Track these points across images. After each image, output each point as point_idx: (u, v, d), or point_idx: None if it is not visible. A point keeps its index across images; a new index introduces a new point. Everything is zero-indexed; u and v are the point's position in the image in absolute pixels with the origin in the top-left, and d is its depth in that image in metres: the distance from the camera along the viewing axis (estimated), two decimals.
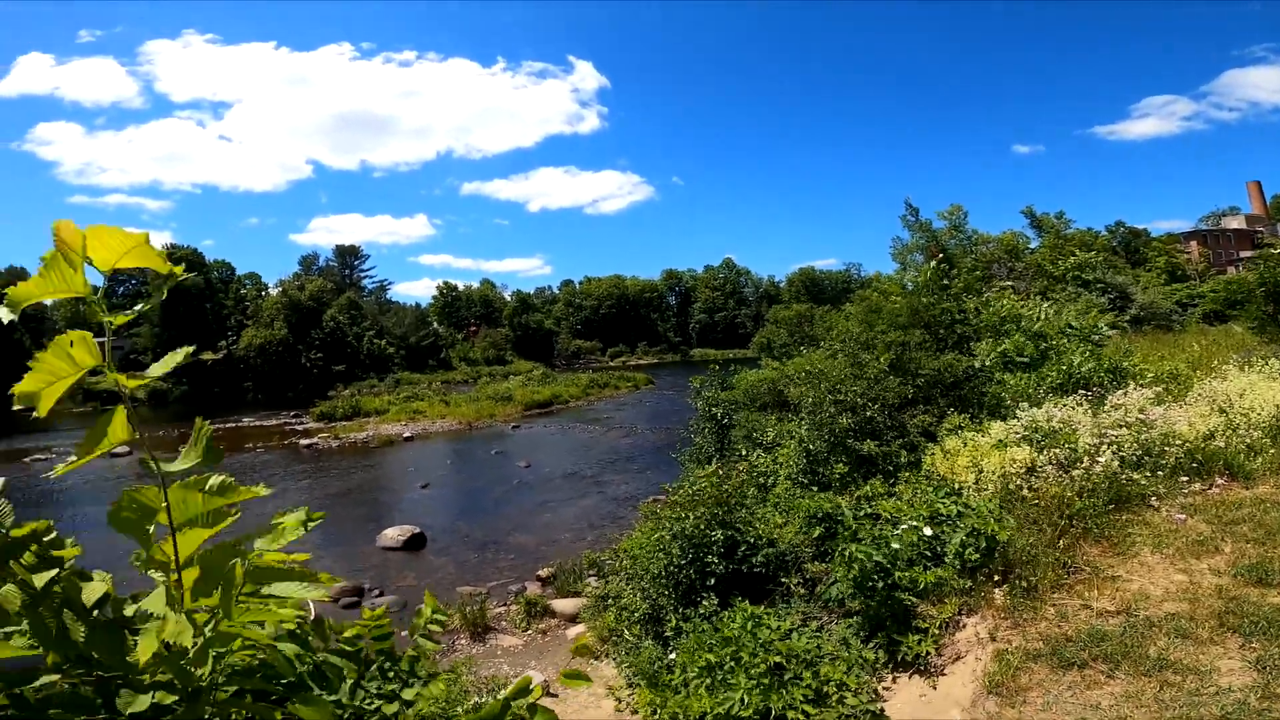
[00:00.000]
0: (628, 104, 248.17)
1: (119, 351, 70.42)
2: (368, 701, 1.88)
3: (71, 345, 1.00)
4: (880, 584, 5.10)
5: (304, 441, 32.93)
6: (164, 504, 1.10)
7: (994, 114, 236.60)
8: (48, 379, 0.99)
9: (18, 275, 76.72)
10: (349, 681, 1.95)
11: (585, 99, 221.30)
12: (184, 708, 1.16)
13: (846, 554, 5.35)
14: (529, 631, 10.95)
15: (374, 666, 2.04)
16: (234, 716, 1.38)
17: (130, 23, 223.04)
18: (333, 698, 1.75)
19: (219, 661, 1.24)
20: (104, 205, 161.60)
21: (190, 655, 1.04)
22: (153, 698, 1.16)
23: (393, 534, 16.08)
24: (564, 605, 11.50)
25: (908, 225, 28.43)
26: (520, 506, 19.49)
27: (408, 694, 1.91)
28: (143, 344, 67.39)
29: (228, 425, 41.01)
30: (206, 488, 1.09)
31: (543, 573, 13.31)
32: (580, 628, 10.35)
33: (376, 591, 13.10)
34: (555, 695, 7.72)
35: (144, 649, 0.99)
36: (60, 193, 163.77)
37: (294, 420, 42.49)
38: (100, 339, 1.02)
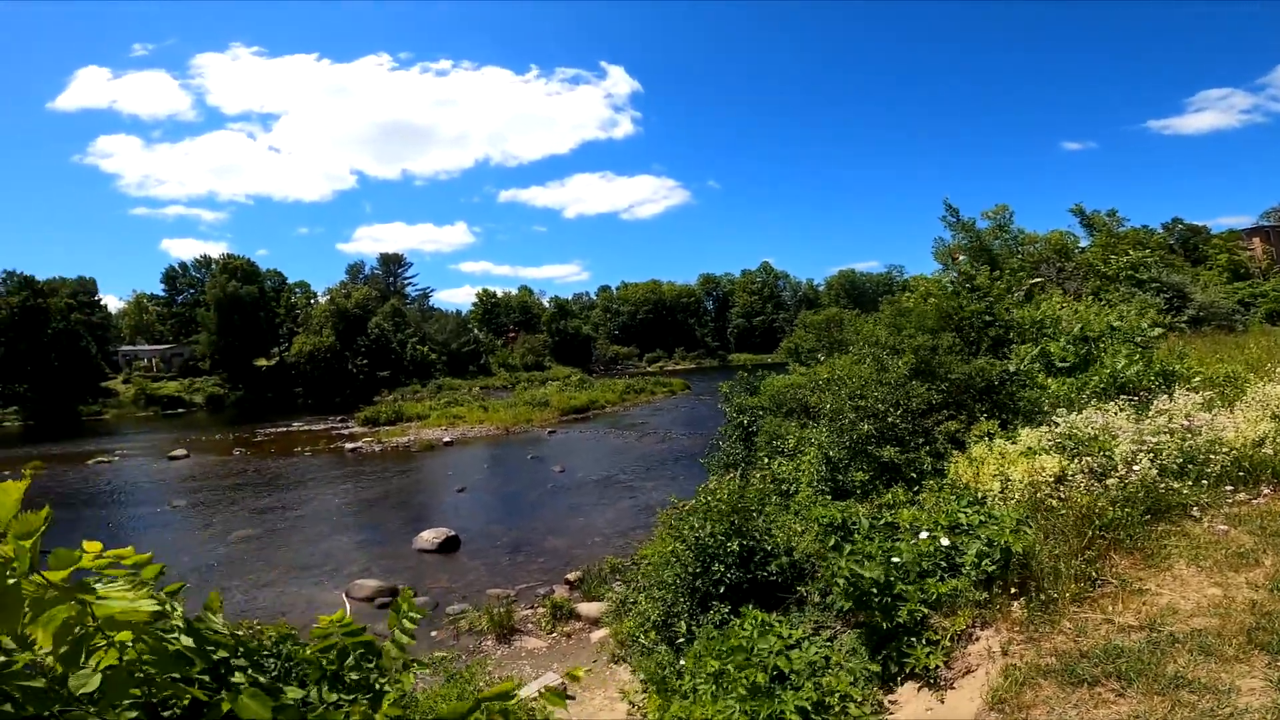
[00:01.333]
0: (661, 108, 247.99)
1: (179, 358, 73.93)
2: (344, 693, 1.95)
3: None
4: (881, 598, 4.97)
5: (349, 446, 33.95)
6: None
7: (1041, 111, 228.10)
8: None
9: (89, 286, 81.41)
10: (329, 675, 2.03)
11: (619, 104, 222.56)
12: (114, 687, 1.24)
13: (834, 569, 5.24)
14: (554, 634, 11.03)
15: (349, 658, 2.12)
16: (171, 701, 1.46)
17: (180, 35, 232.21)
18: (301, 694, 1.82)
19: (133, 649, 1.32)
20: (164, 217, 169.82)
21: (63, 651, 1.11)
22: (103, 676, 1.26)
23: (428, 536, 16.42)
24: (589, 609, 11.55)
25: (948, 226, 27.72)
26: (553, 511, 19.68)
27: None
28: (201, 351, 70.67)
29: (279, 430, 42.62)
30: None
31: (571, 576, 13.38)
32: (604, 631, 10.39)
33: (410, 593, 13.41)
34: (573, 698, 7.78)
35: (41, 639, 1.08)
36: (122, 205, 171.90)
37: (340, 425, 43.90)
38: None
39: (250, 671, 1.58)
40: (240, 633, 1.71)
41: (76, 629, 1.14)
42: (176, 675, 1.39)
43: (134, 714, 1.32)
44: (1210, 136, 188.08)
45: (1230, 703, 3.17)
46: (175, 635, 1.33)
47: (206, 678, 1.43)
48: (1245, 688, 3.28)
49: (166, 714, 1.43)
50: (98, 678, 1.23)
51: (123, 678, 1.27)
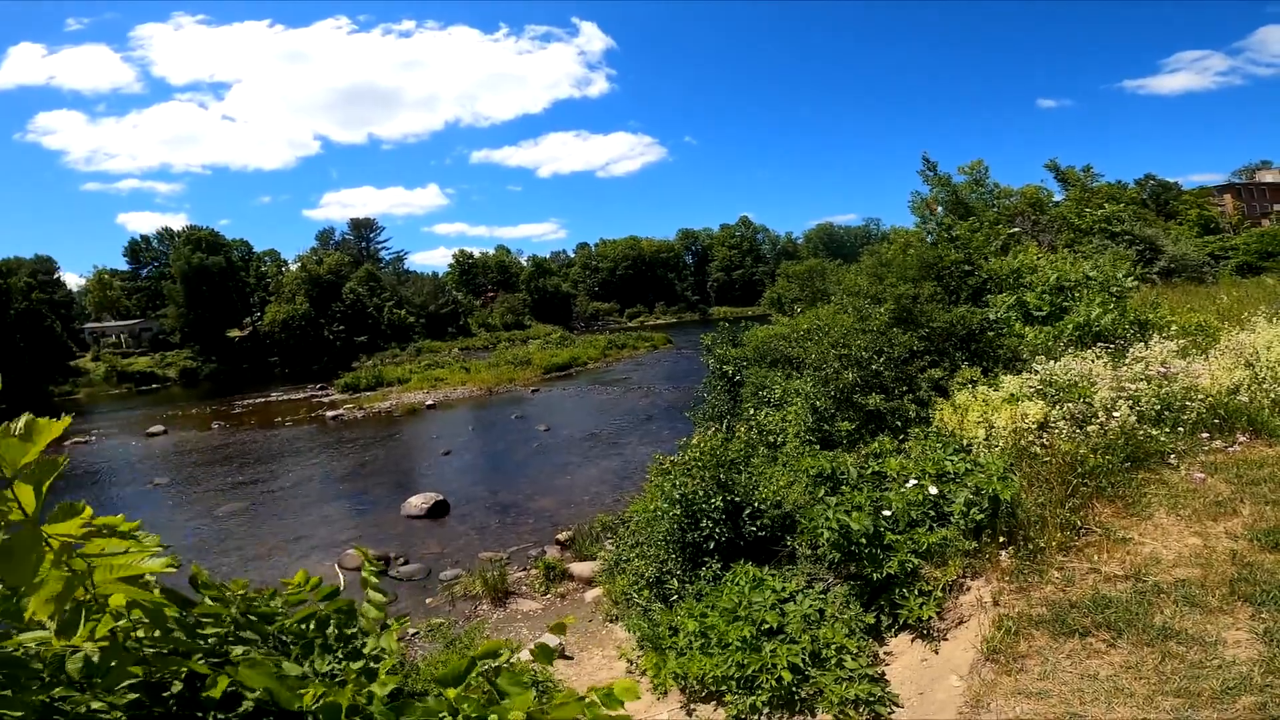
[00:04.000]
0: (636, 65, 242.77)
1: (148, 333, 71.94)
2: (337, 662, 1.90)
3: None
4: (870, 549, 5.05)
5: (330, 413, 33.47)
6: None
7: (1018, 69, 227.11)
8: None
9: (47, 265, 78.37)
10: (319, 643, 1.98)
11: (592, 61, 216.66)
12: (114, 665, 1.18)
13: (821, 522, 5.29)
14: (548, 595, 11.16)
15: (331, 626, 2.05)
16: (168, 676, 1.39)
17: (117, 8, 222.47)
18: (304, 667, 1.76)
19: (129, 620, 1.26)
20: (117, 191, 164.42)
21: (62, 621, 1.05)
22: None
23: (416, 502, 16.39)
24: (582, 568, 11.68)
25: (925, 180, 27.57)
26: (540, 470, 19.74)
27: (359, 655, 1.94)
28: (170, 324, 68.75)
29: (257, 400, 41.94)
30: (15, 432, 1.08)
31: (561, 536, 13.48)
32: (597, 591, 10.54)
33: (402, 560, 13.39)
34: (570, 658, 7.93)
35: (34, 607, 1.04)
36: (72, 181, 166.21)
37: (320, 393, 43.29)
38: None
39: (252, 642, 1.53)
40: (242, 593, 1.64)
41: (78, 593, 1.07)
42: (172, 649, 1.32)
43: (134, 695, 1.27)
44: (1185, 97, 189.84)
45: (1218, 654, 3.27)
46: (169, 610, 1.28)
47: (210, 645, 1.37)
48: (1231, 639, 3.39)
49: (166, 694, 1.37)
50: (80, 658, 1.16)
51: (120, 653, 1.20)
